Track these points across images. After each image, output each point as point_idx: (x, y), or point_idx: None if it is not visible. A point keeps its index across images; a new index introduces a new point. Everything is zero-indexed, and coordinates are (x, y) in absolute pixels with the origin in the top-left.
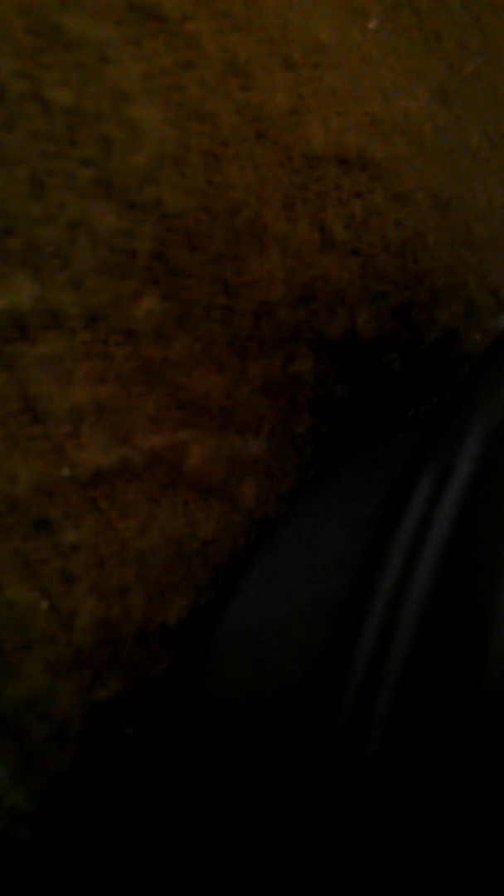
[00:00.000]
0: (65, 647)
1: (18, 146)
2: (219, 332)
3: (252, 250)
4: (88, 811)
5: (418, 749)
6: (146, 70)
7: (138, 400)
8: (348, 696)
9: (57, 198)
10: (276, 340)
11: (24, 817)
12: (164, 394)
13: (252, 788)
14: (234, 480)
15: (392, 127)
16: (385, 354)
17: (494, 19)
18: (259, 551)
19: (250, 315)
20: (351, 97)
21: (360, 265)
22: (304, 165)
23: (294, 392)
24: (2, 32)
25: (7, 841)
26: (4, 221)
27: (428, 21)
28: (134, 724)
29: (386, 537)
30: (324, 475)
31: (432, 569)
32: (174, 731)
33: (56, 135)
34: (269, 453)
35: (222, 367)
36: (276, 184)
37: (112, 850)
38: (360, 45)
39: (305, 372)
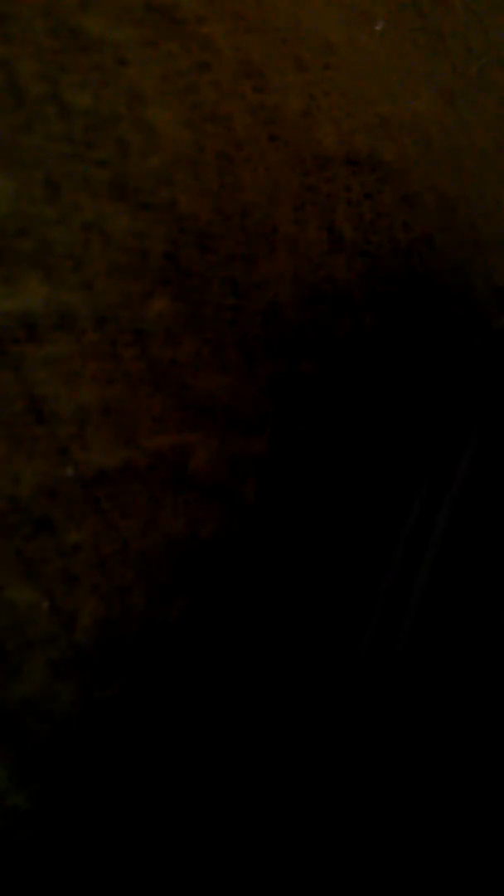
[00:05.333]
0: (66, 647)
1: (36, 148)
2: (227, 332)
3: (262, 251)
4: (88, 811)
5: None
6: (163, 72)
7: (145, 401)
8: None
9: (72, 199)
10: (283, 341)
11: (24, 817)
12: (171, 394)
13: (252, 791)
14: (235, 480)
15: (400, 128)
16: (389, 355)
17: (497, 21)
18: (260, 550)
19: (259, 316)
20: (360, 98)
21: (368, 266)
22: (315, 167)
23: (298, 392)
24: (23, 34)
25: (7, 841)
26: (18, 222)
27: (432, 23)
28: (134, 724)
29: (387, 536)
30: (325, 474)
31: (433, 568)
32: (174, 731)
33: (73, 137)
34: (271, 453)
35: (229, 367)
36: (288, 185)
37: (111, 849)
38: (368, 47)
39: (310, 372)
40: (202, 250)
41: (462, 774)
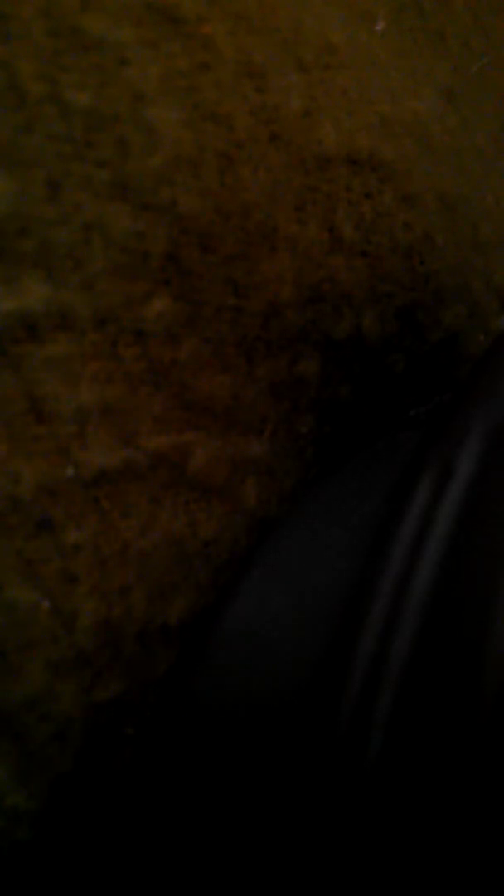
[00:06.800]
0: (66, 647)
1: (36, 148)
2: (228, 332)
3: (263, 252)
4: (88, 811)
5: (419, 749)
6: (163, 72)
7: (145, 401)
8: (349, 697)
9: (72, 199)
10: (284, 341)
11: (25, 817)
12: (171, 394)
13: (252, 791)
14: (236, 481)
15: (401, 128)
16: (389, 355)
17: (496, 21)
18: (260, 551)
19: (259, 316)
20: (361, 98)
21: (368, 266)
22: (316, 167)
23: (298, 392)
24: (23, 34)
25: (7, 841)
26: (19, 223)
27: (433, 22)
28: (134, 724)
29: (387, 537)
30: (325, 475)
31: (433, 568)
32: (175, 732)
33: (74, 137)
34: (271, 454)
35: (229, 367)
36: (288, 185)
37: (112, 849)
38: (369, 47)
39: (311, 373)
40: (203, 250)
41: None
